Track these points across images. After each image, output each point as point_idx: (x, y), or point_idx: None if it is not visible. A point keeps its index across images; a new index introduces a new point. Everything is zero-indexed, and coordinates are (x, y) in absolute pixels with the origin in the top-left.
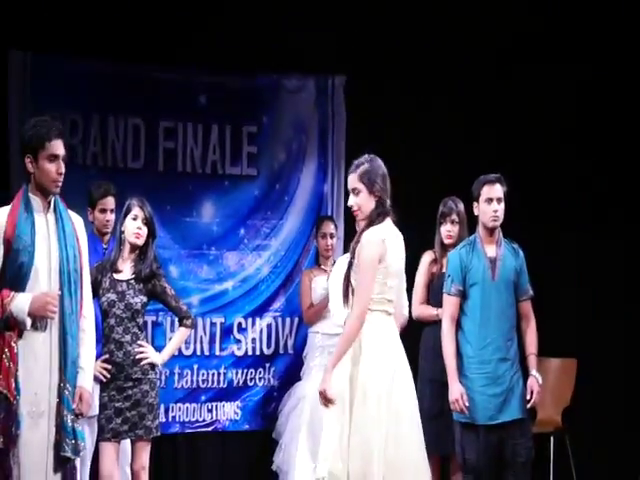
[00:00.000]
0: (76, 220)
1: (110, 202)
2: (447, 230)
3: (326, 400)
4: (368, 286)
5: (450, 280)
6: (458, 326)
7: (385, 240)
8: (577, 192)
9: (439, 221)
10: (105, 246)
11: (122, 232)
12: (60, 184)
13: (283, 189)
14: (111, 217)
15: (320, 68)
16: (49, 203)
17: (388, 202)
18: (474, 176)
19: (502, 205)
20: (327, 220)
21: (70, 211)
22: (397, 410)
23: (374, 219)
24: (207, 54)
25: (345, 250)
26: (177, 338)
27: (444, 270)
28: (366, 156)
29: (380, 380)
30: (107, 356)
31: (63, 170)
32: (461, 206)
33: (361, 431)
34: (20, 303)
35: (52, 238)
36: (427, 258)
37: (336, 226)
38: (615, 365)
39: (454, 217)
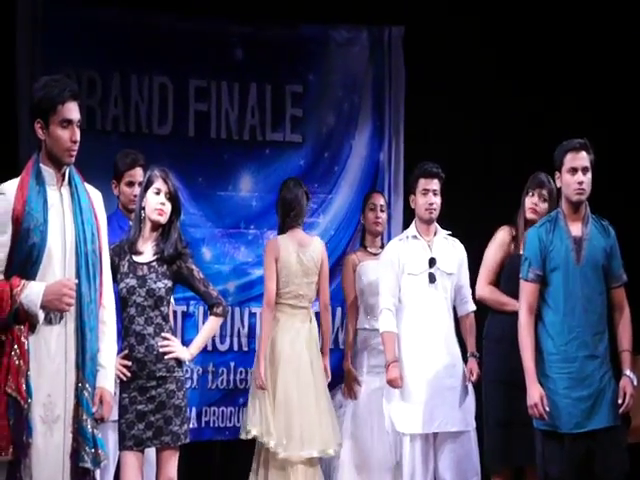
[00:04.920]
0: (94, 194)
1: (138, 174)
2: (533, 203)
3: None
4: (266, 282)
5: (527, 263)
6: (537, 317)
7: (280, 245)
8: None
9: (526, 191)
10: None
11: (142, 208)
12: (74, 153)
13: (332, 158)
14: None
15: (375, 17)
16: (63, 175)
17: (291, 217)
18: (553, 141)
19: (589, 175)
20: (376, 193)
21: (87, 184)
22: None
23: (281, 231)
24: (243, 1)
25: (405, 227)
26: (206, 329)
27: (522, 252)
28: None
29: (270, 369)
30: (127, 351)
31: (78, 137)
32: (553, 185)
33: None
34: (32, 294)
35: (67, 215)
36: (503, 234)
37: (386, 201)
38: None
39: (544, 192)
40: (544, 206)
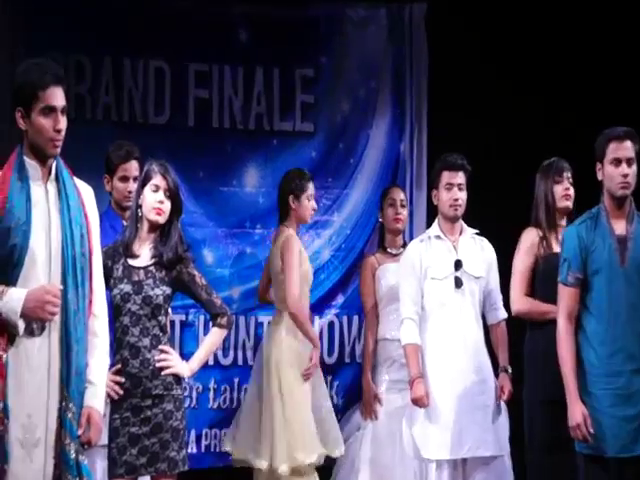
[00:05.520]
0: (84, 190)
1: (133, 167)
2: (565, 188)
3: None
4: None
5: (566, 266)
6: (578, 326)
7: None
8: None
9: (552, 179)
10: (127, 224)
11: (139, 206)
12: (59, 144)
13: (348, 149)
14: (134, 186)
15: None
16: (49, 169)
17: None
18: (584, 131)
19: (634, 167)
20: (395, 187)
21: (76, 179)
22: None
23: None
24: None
25: (429, 225)
26: (209, 342)
27: (555, 250)
28: None
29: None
30: (119, 366)
31: (62, 126)
32: None
33: None
34: (11, 301)
35: (53, 213)
36: (529, 236)
37: (407, 196)
38: None
39: (570, 175)
40: (573, 191)
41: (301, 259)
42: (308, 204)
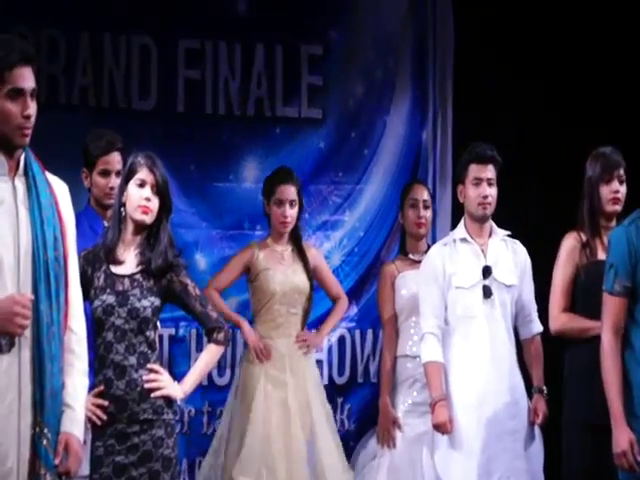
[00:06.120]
0: (57, 187)
1: (115, 160)
2: (613, 190)
3: None
4: None
5: (613, 272)
6: (625, 342)
7: None
8: None
9: (599, 178)
10: (109, 224)
11: (122, 205)
12: (28, 132)
13: (361, 139)
14: (117, 182)
15: None
16: (17, 163)
17: None
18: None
19: None
20: (417, 184)
21: (49, 174)
22: None
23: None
24: None
25: (454, 226)
26: (204, 360)
27: (600, 257)
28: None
29: None
30: (102, 387)
31: (32, 111)
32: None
33: None
34: None
35: (22, 213)
36: (570, 243)
37: (431, 194)
38: None
39: (622, 173)
40: (624, 190)
41: (256, 269)
42: (277, 211)
